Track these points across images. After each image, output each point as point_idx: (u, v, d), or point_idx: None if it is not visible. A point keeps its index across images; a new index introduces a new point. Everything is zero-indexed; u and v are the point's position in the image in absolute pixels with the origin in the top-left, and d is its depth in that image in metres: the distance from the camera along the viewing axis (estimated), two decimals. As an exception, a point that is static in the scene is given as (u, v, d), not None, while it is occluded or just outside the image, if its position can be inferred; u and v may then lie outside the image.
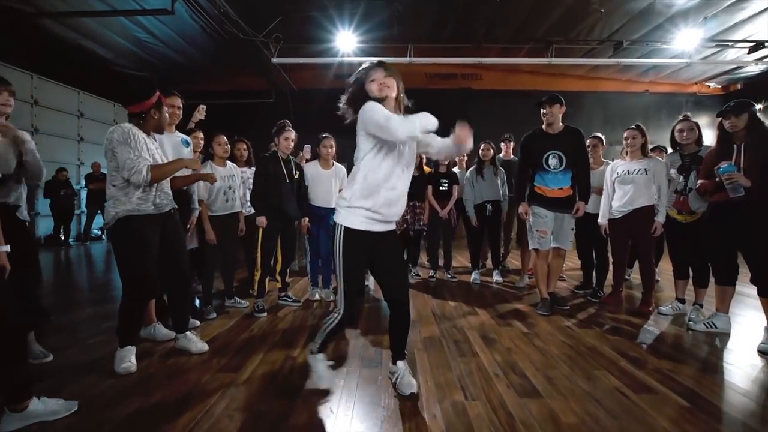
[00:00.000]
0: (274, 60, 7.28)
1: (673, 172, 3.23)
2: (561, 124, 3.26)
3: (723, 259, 2.76)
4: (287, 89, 9.53)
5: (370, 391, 1.98)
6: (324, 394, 1.95)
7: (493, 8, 6.92)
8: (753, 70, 8.79)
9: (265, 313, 3.23)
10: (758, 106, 9.04)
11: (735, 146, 2.67)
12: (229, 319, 3.15)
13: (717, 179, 2.66)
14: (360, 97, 1.82)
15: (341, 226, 1.82)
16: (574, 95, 10.01)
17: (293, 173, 3.32)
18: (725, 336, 2.76)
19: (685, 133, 3.13)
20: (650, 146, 4.28)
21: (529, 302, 3.66)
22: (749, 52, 7.15)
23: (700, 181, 2.89)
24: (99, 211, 8.35)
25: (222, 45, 7.52)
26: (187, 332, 2.47)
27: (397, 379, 1.95)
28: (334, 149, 3.59)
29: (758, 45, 6.91)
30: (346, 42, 7.12)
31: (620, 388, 2.01)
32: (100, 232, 8.71)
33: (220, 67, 9.20)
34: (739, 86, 10.05)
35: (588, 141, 3.98)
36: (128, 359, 2.18)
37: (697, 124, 3.15)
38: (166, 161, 2.31)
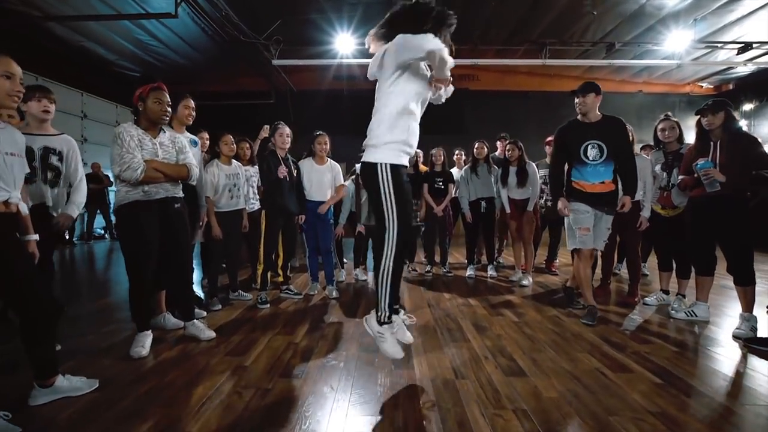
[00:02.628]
0: (275, 62, 7.44)
1: (657, 168, 3.38)
2: (599, 113, 3.01)
3: (702, 250, 2.92)
4: (287, 90, 9.69)
5: (368, 371, 2.13)
6: (325, 374, 2.10)
7: (489, 10, 7.09)
8: (744, 70, 8.95)
9: (268, 305, 3.38)
10: (750, 106, 9.10)
11: (712, 143, 2.83)
12: (234, 310, 3.30)
13: (695, 175, 2.82)
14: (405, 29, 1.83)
15: (384, 164, 1.88)
16: (569, 96, 10.22)
17: (292, 171, 3.47)
18: (704, 323, 2.92)
19: (666, 132, 3.28)
20: (639, 145, 4.46)
21: (521, 294, 3.82)
22: (738, 53, 7.31)
23: (680, 177, 3.05)
24: (99, 211, 8.51)
25: (223, 47, 7.68)
26: (195, 320, 2.62)
27: (396, 329, 2.05)
28: (327, 146, 3.72)
29: (747, 46, 7.07)
30: (344, 44, 7.27)
31: (600, 368, 2.17)
32: (102, 231, 8.85)
33: (221, 68, 9.34)
34: (731, 86, 10.21)
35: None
36: (141, 344, 2.33)
37: (677, 123, 3.31)
38: (166, 158, 2.42)
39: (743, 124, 9.76)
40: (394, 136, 1.91)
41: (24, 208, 1.76)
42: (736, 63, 7.72)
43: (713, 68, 8.82)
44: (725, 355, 2.37)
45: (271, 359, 2.30)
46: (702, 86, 10.52)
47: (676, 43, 7.17)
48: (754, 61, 7.84)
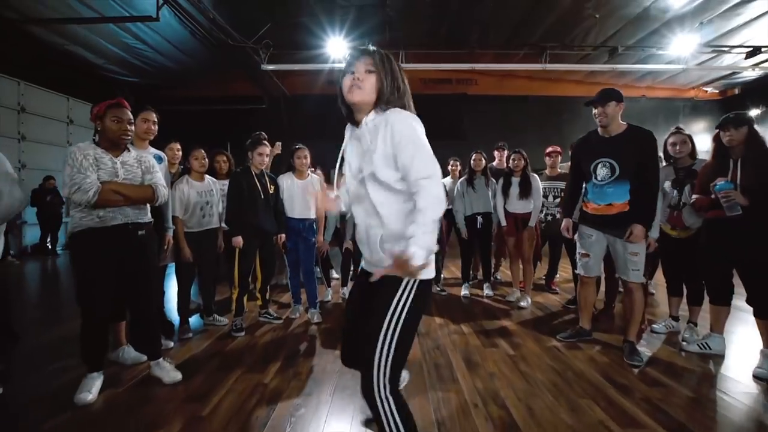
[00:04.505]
0: (264, 66, 7.20)
1: (667, 185, 3.10)
2: (622, 123, 2.67)
3: (718, 277, 2.65)
4: (280, 95, 9.46)
5: (341, 421, 1.86)
6: (291, 428, 1.83)
7: (486, 12, 6.85)
8: (751, 75, 8.69)
9: (243, 333, 3.11)
10: (757, 112, 8.80)
11: (732, 161, 2.56)
12: (206, 339, 3.03)
13: (713, 195, 2.54)
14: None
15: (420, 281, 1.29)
16: (570, 100, 9.92)
17: (268, 188, 3.20)
18: (719, 358, 2.65)
19: (678, 147, 3.00)
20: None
21: (518, 319, 3.54)
22: (746, 58, 7.06)
23: (695, 197, 2.76)
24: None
25: (212, 51, 7.45)
26: (161, 360, 2.34)
27: None
28: (308, 160, 3.46)
29: (755, 50, 6.82)
30: (336, 48, 7.03)
31: (605, 421, 1.90)
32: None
33: (212, 73, 9.13)
34: (736, 91, 9.97)
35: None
36: (87, 388, 2.07)
37: (690, 137, 3.03)
38: (128, 179, 2.16)
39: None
40: None
41: None
42: (743, 67, 7.48)
43: (719, 72, 8.56)
44: (747, 403, 2.09)
45: (233, 407, 2.03)
46: (707, 91, 10.28)
47: (681, 47, 6.93)
48: (761, 65, 7.59)
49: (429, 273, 1.29)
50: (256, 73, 8.13)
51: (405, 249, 1.12)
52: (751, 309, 2.51)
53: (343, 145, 1.45)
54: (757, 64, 7.47)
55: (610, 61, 7.45)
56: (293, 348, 2.85)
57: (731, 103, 9.98)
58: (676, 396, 2.15)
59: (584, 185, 2.83)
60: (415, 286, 1.27)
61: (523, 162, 3.98)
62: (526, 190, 3.94)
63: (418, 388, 2.22)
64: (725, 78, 9.25)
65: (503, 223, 4.10)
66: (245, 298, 3.26)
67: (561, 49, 7.44)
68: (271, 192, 3.18)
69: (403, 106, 1.31)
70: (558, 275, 4.84)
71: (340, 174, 1.48)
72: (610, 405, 2.06)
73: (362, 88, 1.28)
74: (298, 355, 2.72)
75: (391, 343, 1.24)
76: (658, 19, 6.67)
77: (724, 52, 7.18)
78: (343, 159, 1.46)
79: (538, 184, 4.01)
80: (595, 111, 2.64)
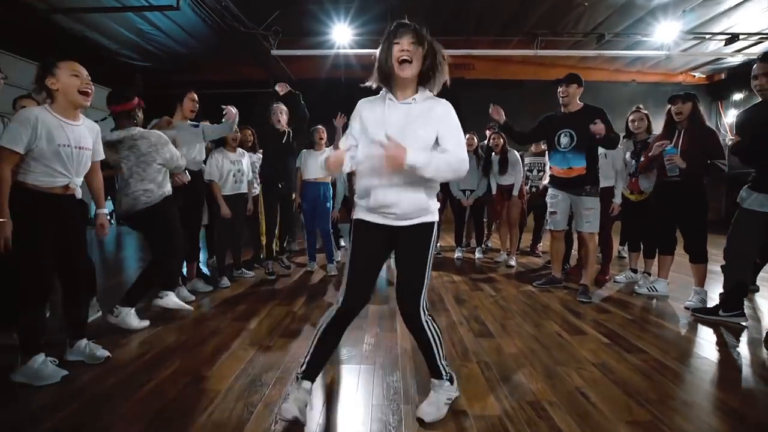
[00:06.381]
0: (274, 52, 7.64)
1: (627, 156, 3.65)
2: (579, 102, 3.26)
3: (663, 231, 3.21)
4: (286, 79, 9.87)
5: (356, 334, 2.45)
6: (319, 335, 2.42)
7: (482, 2, 7.27)
8: (735, 60, 9.12)
9: (275, 276, 3.79)
10: (740, 95, 9.22)
11: (677, 131, 3.09)
12: (239, 286, 3.61)
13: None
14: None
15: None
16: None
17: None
18: (663, 297, 3.24)
19: (636, 123, 3.55)
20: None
21: (503, 273, 4.13)
22: (726, 44, 7.50)
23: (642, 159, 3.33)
24: (109, 197, 8.79)
25: (223, 37, 7.87)
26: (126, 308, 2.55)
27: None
28: (324, 137, 4.19)
29: (734, 37, 7.26)
30: (341, 35, 7.47)
31: (559, 331, 2.49)
32: (109, 217, 9.17)
33: (221, 58, 9.54)
34: (723, 76, 10.38)
35: None
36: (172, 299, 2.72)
37: (647, 115, 3.57)
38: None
39: (733, 113, 9.98)
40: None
41: (79, 193, 2.05)
42: (724, 54, 7.91)
43: (704, 58, 9.00)
44: (672, 321, 2.69)
45: (272, 324, 2.62)
46: (695, 75, 10.69)
47: (665, 34, 7.36)
48: (743, 52, 8.02)
49: (435, 216, 1.54)
50: (264, 58, 8.55)
51: (410, 153, 1.31)
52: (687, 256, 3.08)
53: (360, 112, 1.53)
54: (738, 51, 7.91)
55: (597, 48, 7.89)
56: (314, 291, 3.44)
57: (717, 87, 10.43)
58: (617, 318, 2.74)
59: (548, 153, 3.46)
60: (436, 230, 1.51)
61: (501, 141, 4.52)
62: (504, 167, 4.49)
63: (416, 314, 2.81)
64: (711, 63, 9.68)
65: (493, 191, 4.65)
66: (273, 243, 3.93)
67: (552, 36, 7.87)
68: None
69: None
70: (541, 243, 5.41)
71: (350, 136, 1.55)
72: (565, 323, 2.65)
73: (412, 63, 1.37)
74: (319, 295, 3.31)
75: (426, 279, 1.50)
76: (643, 7, 7.09)
77: (706, 39, 7.63)
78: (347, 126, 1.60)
79: (516, 157, 4.55)
80: (560, 90, 3.21)
